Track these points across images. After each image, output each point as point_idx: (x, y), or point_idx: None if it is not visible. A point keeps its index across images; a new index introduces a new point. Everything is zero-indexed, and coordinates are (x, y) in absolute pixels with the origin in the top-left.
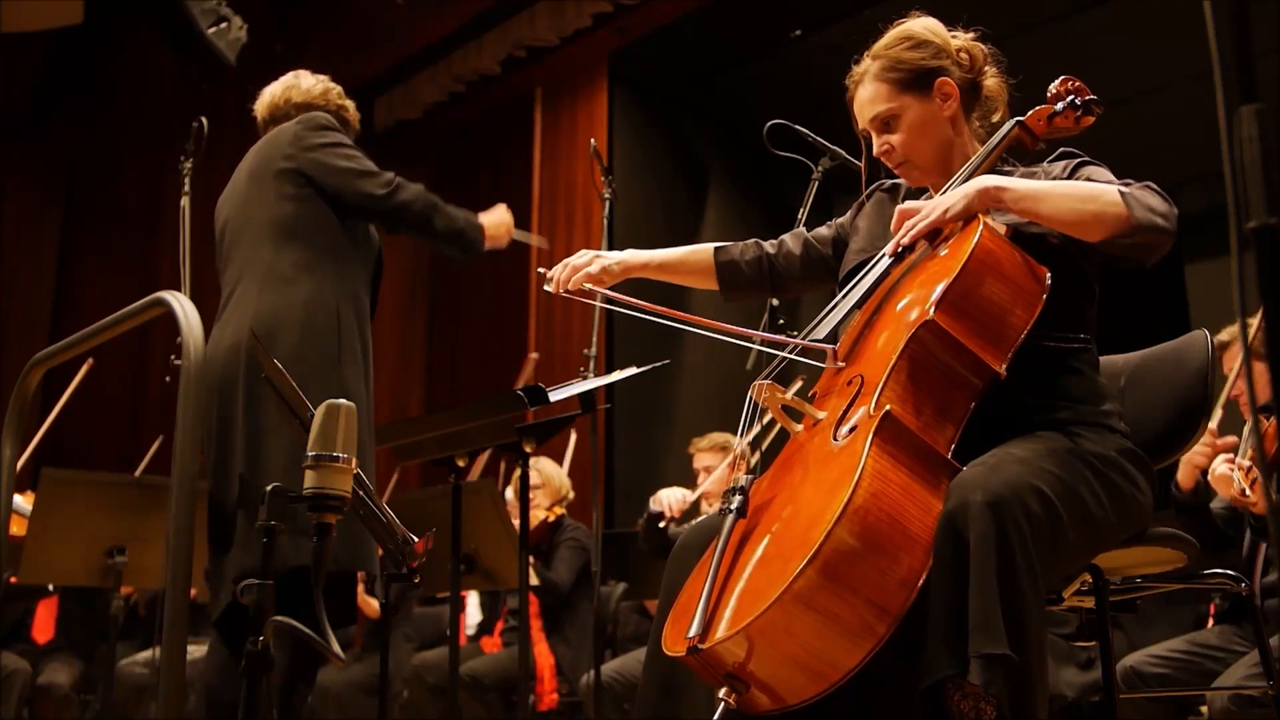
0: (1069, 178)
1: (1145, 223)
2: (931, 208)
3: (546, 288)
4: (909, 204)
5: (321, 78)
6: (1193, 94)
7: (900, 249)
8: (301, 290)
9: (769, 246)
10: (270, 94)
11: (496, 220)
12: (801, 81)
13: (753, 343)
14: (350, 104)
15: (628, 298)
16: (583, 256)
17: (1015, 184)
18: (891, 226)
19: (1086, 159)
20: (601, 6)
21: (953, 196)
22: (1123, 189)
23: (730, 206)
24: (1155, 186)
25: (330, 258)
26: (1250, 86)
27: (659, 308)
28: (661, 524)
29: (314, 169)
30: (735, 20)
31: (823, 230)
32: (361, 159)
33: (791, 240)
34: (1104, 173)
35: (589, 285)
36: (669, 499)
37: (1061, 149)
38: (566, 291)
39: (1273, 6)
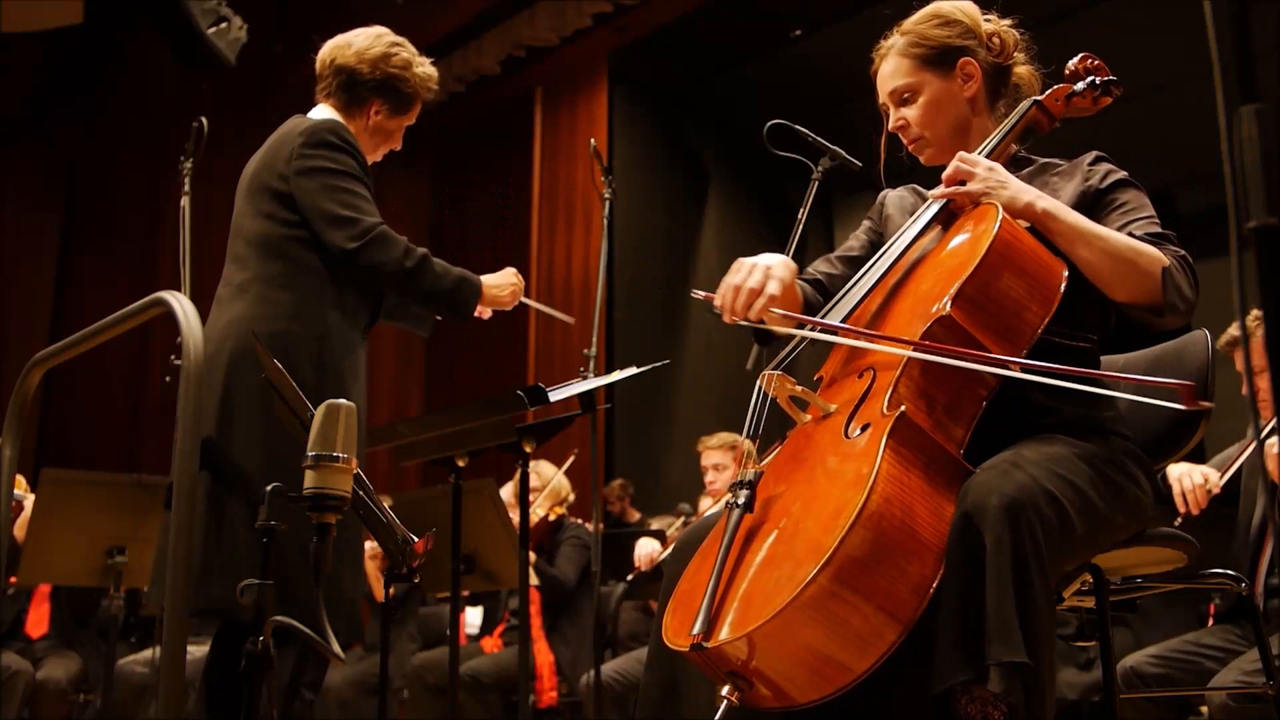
0: (1104, 189)
1: (1169, 306)
2: (986, 171)
3: (711, 314)
4: (969, 154)
5: (385, 40)
6: (1193, 94)
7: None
8: (284, 306)
9: (817, 275)
10: (322, 51)
11: (501, 281)
12: (802, 82)
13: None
14: (415, 69)
15: (807, 317)
16: (750, 273)
17: (1066, 218)
18: (948, 169)
19: (1124, 176)
20: (601, 6)
21: (1011, 184)
22: (1165, 264)
23: (730, 206)
24: (1190, 262)
25: (317, 272)
26: (1250, 86)
27: (845, 326)
28: (631, 576)
29: (299, 197)
30: (735, 20)
31: (854, 242)
32: (348, 195)
33: (827, 266)
34: (1141, 197)
35: (777, 310)
36: (640, 552)
37: (1096, 153)
38: (746, 321)
39: (1273, 6)
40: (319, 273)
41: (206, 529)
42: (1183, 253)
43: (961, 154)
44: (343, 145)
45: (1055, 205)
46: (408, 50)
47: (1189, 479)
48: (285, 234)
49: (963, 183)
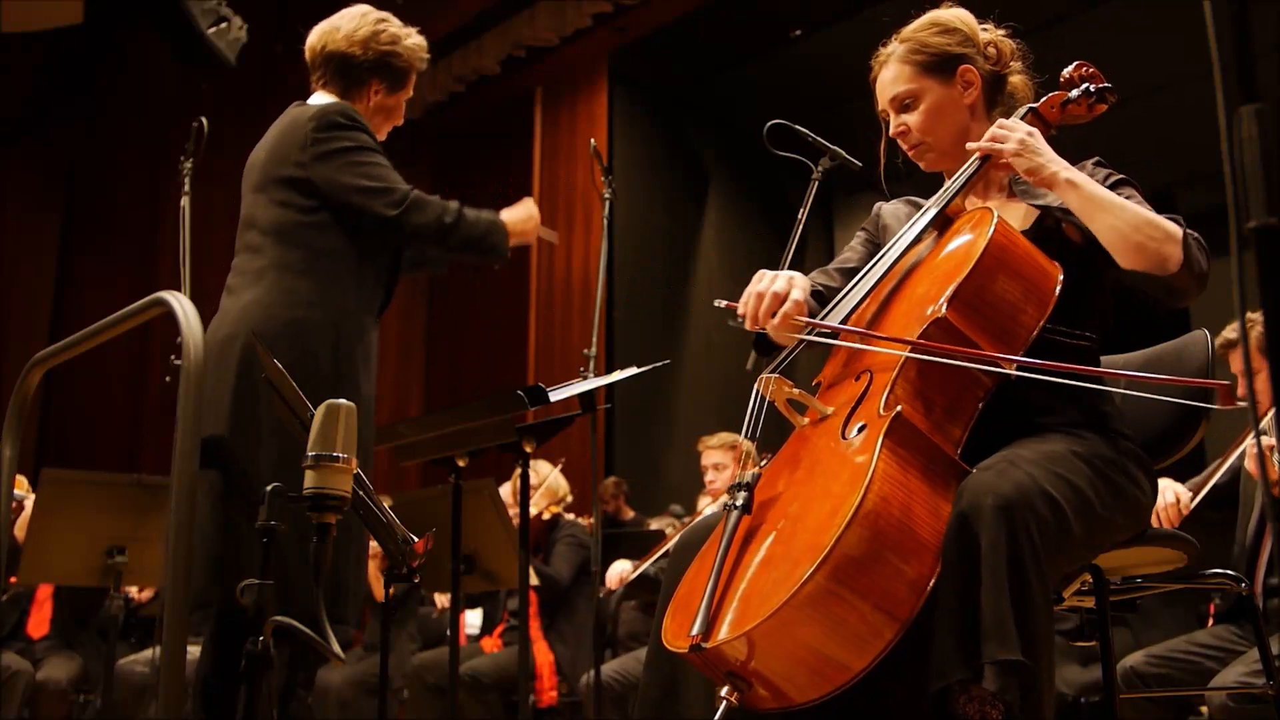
0: (1109, 188)
1: (1188, 268)
2: (1025, 134)
3: (734, 323)
4: (1009, 121)
5: (370, 18)
6: (1193, 94)
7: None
8: (300, 292)
9: (815, 285)
10: (311, 39)
11: (522, 215)
12: (802, 82)
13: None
14: (405, 43)
15: (830, 325)
16: (773, 280)
17: (1089, 187)
18: (985, 135)
19: (1125, 177)
20: (601, 6)
21: (1044, 152)
22: (1184, 233)
23: (730, 206)
24: (1203, 242)
25: (334, 257)
26: (1250, 86)
27: (849, 329)
28: (602, 594)
29: (324, 183)
30: (735, 20)
31: (851, 254)
32: (373, 168)
33: (824, 278)
34: (1138, 196)
35: (800, 318)
36: (611, 573)
37: (1096, 157)
38: (769, 328)
39: (1273, 6)
40: (335, 259)
41: (223, 520)
42: (1195, 233)
43: (1001, 120)
44: (354, 124)
45: (1080, 176)
46: (394, 25)
47: (1162, 498)
48: (302, 221)
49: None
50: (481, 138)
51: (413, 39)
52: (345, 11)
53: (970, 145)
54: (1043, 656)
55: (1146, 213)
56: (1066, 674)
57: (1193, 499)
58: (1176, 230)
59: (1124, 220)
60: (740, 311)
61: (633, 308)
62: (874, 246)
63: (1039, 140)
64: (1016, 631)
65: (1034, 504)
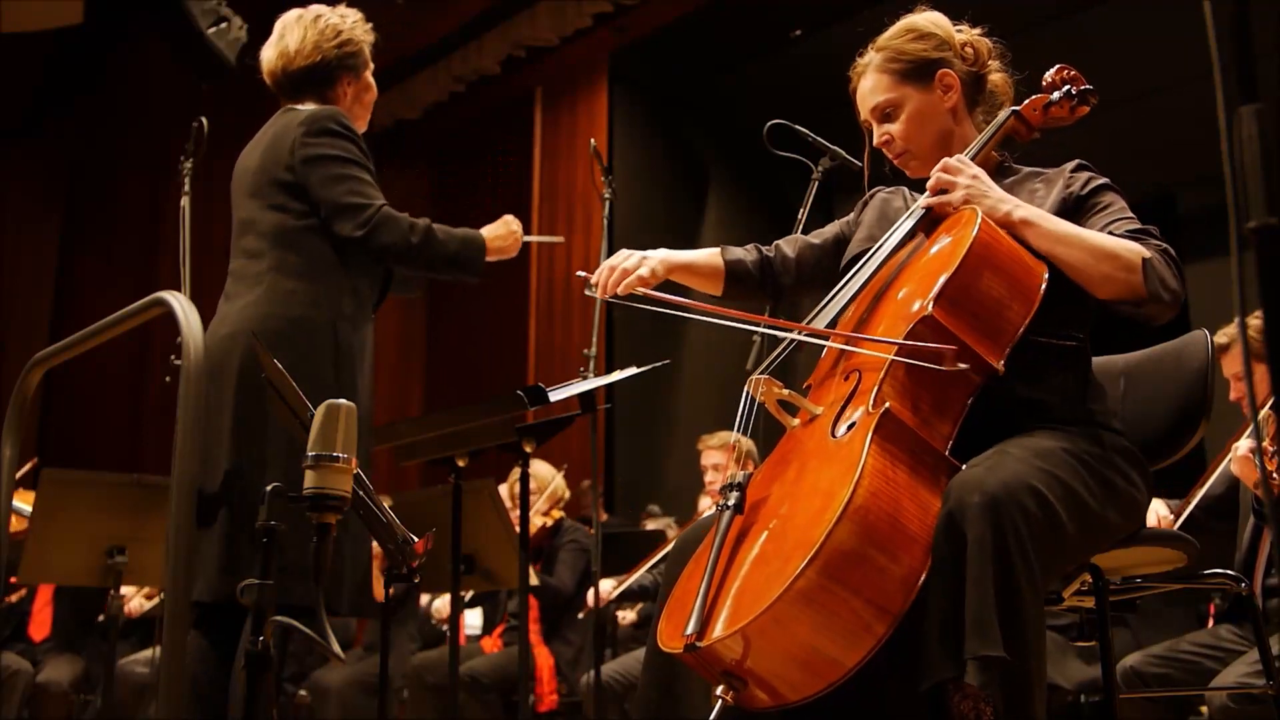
0: (1085, 195)
1: (1153, 296)
2: (970, 179)
3: (589, 293)
4: (954, 160)
5: (305, 22)
6: (1193, 94)
7: (913, 223)
8: (299, 294)
9: (767, 251)
10: (267, 63)
11: (502, 232)
12: (802, 82)
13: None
14: (347, 28)
15: (669, 296)
16: (627, 258)
17: (1044, 223)
18: (931, 176)
19: (1105, 181)
20: (601, 6)
21: (993, 193)
22: (1145, 255)
23: (730, 206)
24: (1172, 253)
25: (331, 260)
26: (1250, 86)
27: (701, 304)
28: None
29: (307, 185)
30: (735, 20)
31: (826, 230)
32: (349, 182)
33: (787, 246)
34: (1120, 200)
35: (641, 290)
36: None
37: (1078, 160)
38: (614, 297)
39: (1273, 6)
40: (333, 260)
41: (234, 519)
42: (1165, 245)
43: (946, 161)
44: (343, 132)
45: (1034, 212)
46: (328, 15)
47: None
48: (299, 225)
49: (945, 192)
50: (481, 138)
51: (349, 19)
52: (282, 25)
53: (918, 203)
54: (1032, 654)
55: (1107, 240)
56: (1069, 670)
57: (1173, 522)
58: (1136, 259)
59: (1085, 252)
60: (593, 281)
61: (633, 308)
62: (848, 230)
63: (985, 182)
64: (1001, 628)
65: (1020, 501)
